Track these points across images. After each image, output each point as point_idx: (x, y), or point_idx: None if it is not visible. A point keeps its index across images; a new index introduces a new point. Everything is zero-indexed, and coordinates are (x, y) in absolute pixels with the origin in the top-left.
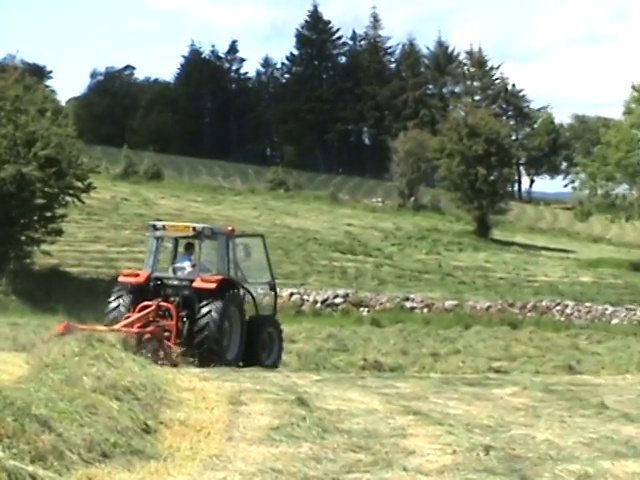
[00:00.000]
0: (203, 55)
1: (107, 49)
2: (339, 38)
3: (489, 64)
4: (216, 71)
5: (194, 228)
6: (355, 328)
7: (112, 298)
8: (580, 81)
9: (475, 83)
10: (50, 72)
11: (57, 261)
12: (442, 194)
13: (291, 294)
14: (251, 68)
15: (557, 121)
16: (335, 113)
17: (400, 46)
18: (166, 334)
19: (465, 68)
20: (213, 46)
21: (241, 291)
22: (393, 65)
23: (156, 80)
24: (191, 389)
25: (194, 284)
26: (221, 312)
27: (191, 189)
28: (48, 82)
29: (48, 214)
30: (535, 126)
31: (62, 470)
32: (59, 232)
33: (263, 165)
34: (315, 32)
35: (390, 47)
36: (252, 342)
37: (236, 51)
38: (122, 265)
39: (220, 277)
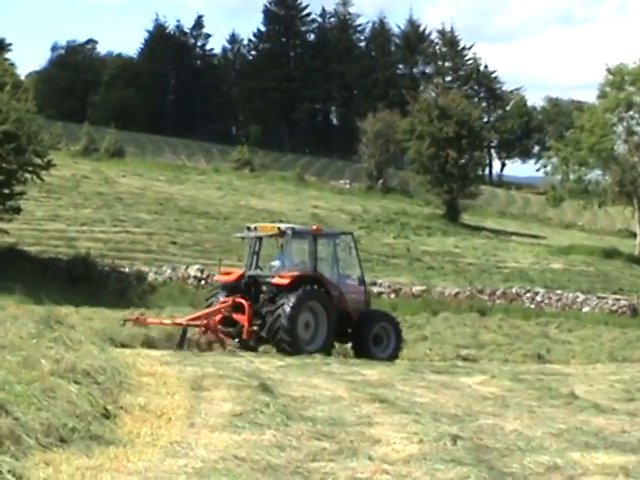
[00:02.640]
0: (168, 30)
1: (69, 22)
2: (308, 15)
3: (461, 44)
4: (181, 47)
5: (279, 228)
6: None
7: (210, 295)
8: (554, 63)
9: (447, 64)
10: (10, 45)
11: (15, 240)
12: (411, 177)
13: None
14: (217, 44)
15: (530, 104)
16: (303, 92)
17: (370, 24)
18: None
19: (437, 48)
20: (178, 21)
21: (329, 287)
22: (363, 44)
23: (119, 55)
24: (152, 373)
25: (272, 280)
26: (293, 306)
27: (154, 168)
28: (7, 55)
29: (6, 191)
30: (507, 108)
31: (19, 455)
32: (17, 210)
33: (228, 144)
34: (283, 8)
35: (360, 25)
36: (363, 336)
37: (202, 26)
38: (82, 245)
39: (296, 274)
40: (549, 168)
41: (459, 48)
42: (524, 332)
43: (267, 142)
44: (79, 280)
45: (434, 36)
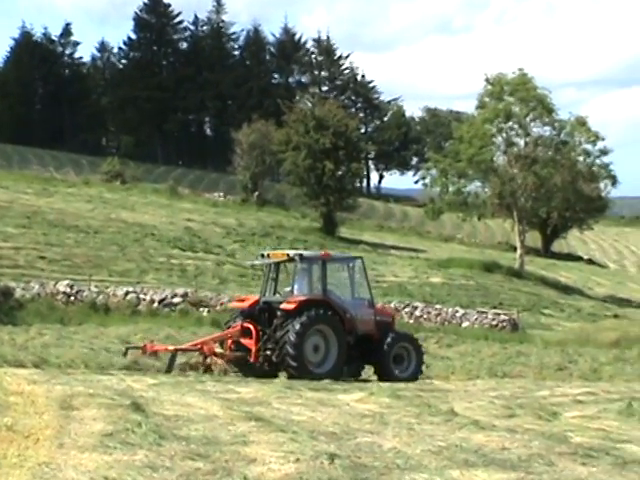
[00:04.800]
0: (35, 38)
1: None
2: (180, 22)
3: (338, 53)
4: (48, 55)
5: (287, 254)
6: (195, 329)
7: (228, 320)
8: (433, 73)
9: (323, 73)
10: None
11: None
12: (287, 189)
13: (127, 293)
14: (86, 52)
15: (408, 114)
16: (175, 102)
17: (244, 32)
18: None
19: (312, 57)
20: (45, 28)
21: (339, 310)
22: (237, 52)
23: None
24: (19, 392)
25: (281, 306)
26: (297, 330)
27: (21, 180)
28: None
29: None
30: (385, 119)
31: None
32: None
33: (98, 156)
34: (154, 15)
35: (234, 33)
36: (383, 357)
37: (70, 34)
38: None
39: (303, 298)
40: (428, 180)
41: (335, 57)
42: None
43: (139, 153)
44: None
45: (310, 45)
